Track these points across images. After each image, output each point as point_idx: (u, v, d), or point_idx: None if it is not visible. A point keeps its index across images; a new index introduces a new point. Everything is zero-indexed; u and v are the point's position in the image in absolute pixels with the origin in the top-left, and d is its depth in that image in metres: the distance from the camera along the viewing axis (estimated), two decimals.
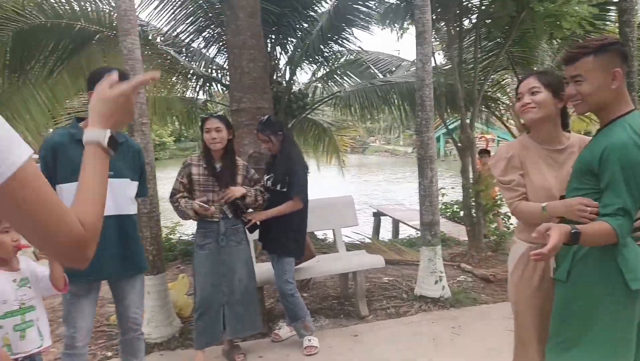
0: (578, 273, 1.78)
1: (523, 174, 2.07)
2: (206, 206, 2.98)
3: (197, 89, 7.62)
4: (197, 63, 7.65)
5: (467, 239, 5.98)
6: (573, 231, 1.62)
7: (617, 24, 5.30)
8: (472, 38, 6.12)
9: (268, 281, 3.81)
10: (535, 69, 6.43)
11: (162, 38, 7.18)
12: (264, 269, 3.92)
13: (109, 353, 3.53)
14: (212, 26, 7.26)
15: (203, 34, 7.43)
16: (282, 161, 3.32)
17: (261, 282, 3.64)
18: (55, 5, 5.52)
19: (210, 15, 7.11)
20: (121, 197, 2.42)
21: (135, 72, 3.64)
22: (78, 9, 5.64)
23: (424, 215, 4.37)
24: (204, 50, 7.71)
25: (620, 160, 1.64)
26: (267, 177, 3.36)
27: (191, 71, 7.24)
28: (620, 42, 1.81)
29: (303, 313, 3.39)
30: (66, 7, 5.57)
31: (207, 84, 7.58)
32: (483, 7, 5.64)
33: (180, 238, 7.02)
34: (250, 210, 3.26)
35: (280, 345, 3.55)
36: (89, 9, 5.75)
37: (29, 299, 2.00)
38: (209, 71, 7.68)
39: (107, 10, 5.88)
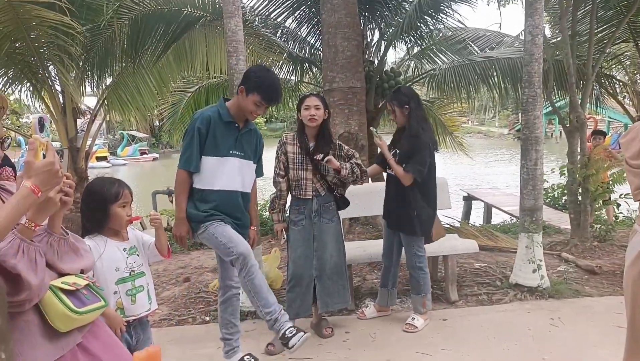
0: None
1: None
2: (284, 236, 3.17)
3: (291, 70, 7.74)
4: (290, 43, 7.76)
5: (569, 227, 5.53)
6: None
7: None
8: (589, 6, 5.54)
9: (356, 260, 3.87)
10: None
11: (259, 19, 7.37)
12: (352, 247, 3.97)
13: (207, 318, 3.81)
14: (304, 6, 7.32)
15: (295, 14, 7.52)
16: (407, 137, 3.28)
17: (349, 260, 3.68)
18: None
19: None
20: (247, 176, 2.78)
21: (238, 54, 3.81)
22: None
23: (525, 199, 4.11)
24: (296, 30, 7.81)
25: None
26: (392, 152, 3.33)
27: (285, 52, 7.38)
28: None
29: (426, 289, 3.43)
30: None
31: (299, 65, 7.68)
32: None
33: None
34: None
35: (367, 322, 3.58)
36: None
37: (138, 266, 2.16)
38: (302, 51, 7.77)
39: None
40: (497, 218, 8.82)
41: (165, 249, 2.26)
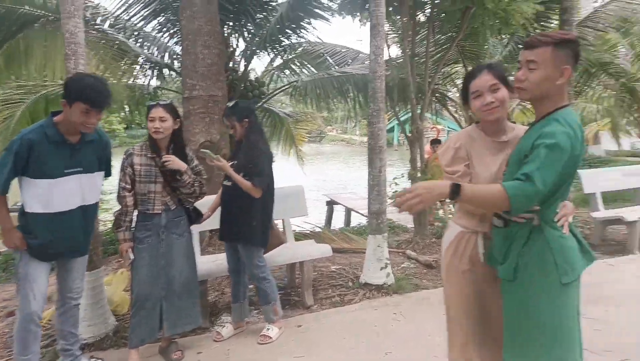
0: (522, 269, 1.82)
1: (468, 165, 2.08)
2: (130, 256, 3.00)
3: (149, 76, 7.40)
4: (150, 49, 7.43)
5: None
6: (452, 183, 1.66)
7: (558, 22, 5.56)
8: (426, 32, 6.25)
9: (212, 274, 3.80)
10: (481, 62, 6.64)
11: (111, 22, 6.92)
12: (208, 260, 3.91)
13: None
14: (167, 11, 7.09)
15: (158, 19, 7.25)
16: (246, 149, 3.30)
17: (205, 275, 3.64)
18: None
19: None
20: (90, 189, 2.78)
21: (77, 57, 3.52)
22: None
23: (372, 204, 4.48)
24: (158, 35, 7.52)
25: (549, 144, 1.66)
26: (231, 163, 3.31)
27: (142, 57, 7.02)
28: (576, 41, 1.79)
29: (274, 297, 3.46)
30: None
31: (159, 70, 7.39)
32: (437, 1, 5.76)
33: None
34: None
35: (221, 340, 3.48)
36: None
37: None
38: (162, 57, 7.49)
39: None
40: (356, 220, 9.43)
41: None
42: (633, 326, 3.53)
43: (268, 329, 3.46)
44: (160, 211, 3.03)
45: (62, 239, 2.66)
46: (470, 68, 6.24)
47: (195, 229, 3.67)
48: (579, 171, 6.12)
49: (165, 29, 7.32)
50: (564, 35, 1.77)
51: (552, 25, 6.72)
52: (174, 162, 2.97)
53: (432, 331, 3.50)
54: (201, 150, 3.33)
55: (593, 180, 5.93)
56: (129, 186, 3.01)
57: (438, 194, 1.67)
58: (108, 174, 2.97)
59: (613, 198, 8.36)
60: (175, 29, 7.26)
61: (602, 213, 5.80)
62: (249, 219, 3.28)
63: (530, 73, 1.79)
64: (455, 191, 1.66)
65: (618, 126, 11.78)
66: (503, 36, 7.21)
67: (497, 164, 2.03)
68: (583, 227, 6.50)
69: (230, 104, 3.40)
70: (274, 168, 3.43)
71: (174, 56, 7.51)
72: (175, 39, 7.38)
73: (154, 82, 7.58)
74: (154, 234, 3.02)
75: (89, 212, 2.80)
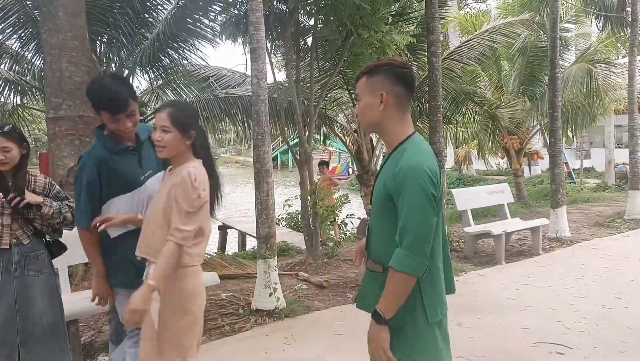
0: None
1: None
2: None
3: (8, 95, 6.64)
4: (10, 64, 6.69)
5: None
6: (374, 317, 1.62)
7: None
8: (309, 58, 6.44)
9: (84, 313, 3.43)
10: None
11: None
12: (80, 298, 3.52)
13: None
14: (30, 24, 6.45)
15: (19, 33, 6.56)
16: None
17: (74, 314, 3.26)
18: None
19: (29, 11, 6.30)
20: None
21: None
22: None
23: (260, 228, 4.40)
24: (20, 51, 6.81)
25: (412, 183, 1.58)
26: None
27: None
28: (392, 64, 1.71)
29: None
30: None
31: (20, 89, 6.66)
32: (318, 29, 5.98)
33: None
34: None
35: None
36: None
37: None
38: (24, 73, 6.77)
39: None
40: (252, 243, 9.26)
41: None
42: (501, 332, 3.87)
43: None
44: (8, 246, 2.62)
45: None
46: (354, 94, 6.56)
47: (65, 263, 3.27)
48: (451, 190, 6.74)
49: (27, 44, 6.63)
50: (376, 63, 1.75)
51: (424, 58, 7.34)
52: (29, 199, 2.60)
53: (321, 352, 3.51)
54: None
55: (464, 198, 6.52)
56: None
57: (384, 339, 1.62)
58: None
59: (483, 214, 9.27)
60: (39, 44, 6.61)
61: (473, 227, 6.37)
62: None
63: (356, 106, 1.84)
64: (381, 319, 1.60)
65: (485, 148, 13.22)
66: None
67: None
68: (458, 241, 7.08)
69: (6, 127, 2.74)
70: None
71: (40, 73, 6.83)
72: (39, 55, 6.71)
73: (11, 101, 6.81)
74: (5, 272, 2.61)
75: None
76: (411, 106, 1.88)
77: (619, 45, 12.21)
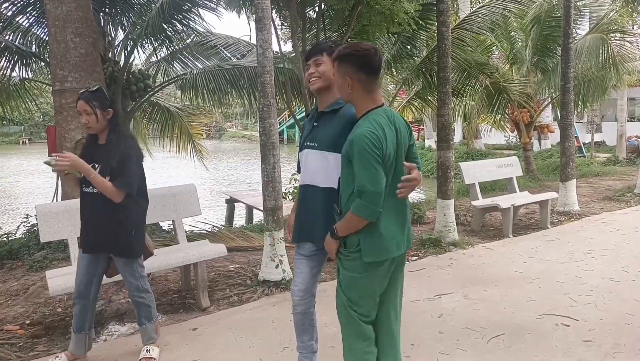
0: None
1: None
2: None
3: (11, 66, 6.58)
4: (10, 35, 6.61)
5: None
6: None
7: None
8: (316, 30, 6.32)
9: None
10: None
11: None
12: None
13: None
14: None
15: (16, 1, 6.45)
16: (113, 147, 2.84)
17: None
18: None
19: None
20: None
21: None
22: None
23: (266, 201, 4.40)
24: (20, 20, 6.71)
25: (358, 149, 1.97)
26: (91, 165, 2.79)
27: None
28: (354, 55, 2.03)
29: (155, 312, 3.15)
30: None
31: (23, 60, 6.60)
32: None
33: None
34: None
35: None
36: None
37: None
38: (27, 45, 6.70)
39: None
40: (259, 217, 9.29)
41: None
42: (507, 304, 3.88)
43: (149, 350, 3.06)
44: None
45: None
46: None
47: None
48: (459, 163, 6.67)
49: (26, 12, 6.50)
50: (343, 51, 2.08)
51: (434, 27, 7.16)
52: None
53: (328, 322, 3.54)
54: (44, 161, 2.81)
55: (472, 172, 6.46)
56: None
57: (333, 249, 2.21)
58: None
59: (491, 188, 9.21)
60: (40, 13, 6.48)
61: (481, 201, 6.33)
62: (124, 229, 2.88)
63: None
64: (334, 234, 2.14)
65: (491, 119, 13.04)
66: (391, 36, 7.54)
67: None
68: (465, 215, 7.06)
69: (93, 87, 2.87)
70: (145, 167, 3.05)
71: (43, 44, 6.75)
72: (40, 25, 6.60)
73: (15, 73, 6.75)
74: None
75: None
76: (379, 81, 2.23)
77: (634, 14, 11.84)
